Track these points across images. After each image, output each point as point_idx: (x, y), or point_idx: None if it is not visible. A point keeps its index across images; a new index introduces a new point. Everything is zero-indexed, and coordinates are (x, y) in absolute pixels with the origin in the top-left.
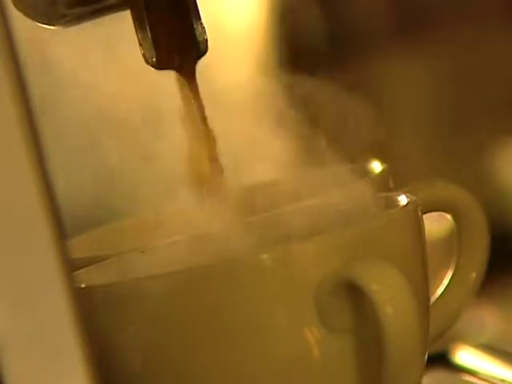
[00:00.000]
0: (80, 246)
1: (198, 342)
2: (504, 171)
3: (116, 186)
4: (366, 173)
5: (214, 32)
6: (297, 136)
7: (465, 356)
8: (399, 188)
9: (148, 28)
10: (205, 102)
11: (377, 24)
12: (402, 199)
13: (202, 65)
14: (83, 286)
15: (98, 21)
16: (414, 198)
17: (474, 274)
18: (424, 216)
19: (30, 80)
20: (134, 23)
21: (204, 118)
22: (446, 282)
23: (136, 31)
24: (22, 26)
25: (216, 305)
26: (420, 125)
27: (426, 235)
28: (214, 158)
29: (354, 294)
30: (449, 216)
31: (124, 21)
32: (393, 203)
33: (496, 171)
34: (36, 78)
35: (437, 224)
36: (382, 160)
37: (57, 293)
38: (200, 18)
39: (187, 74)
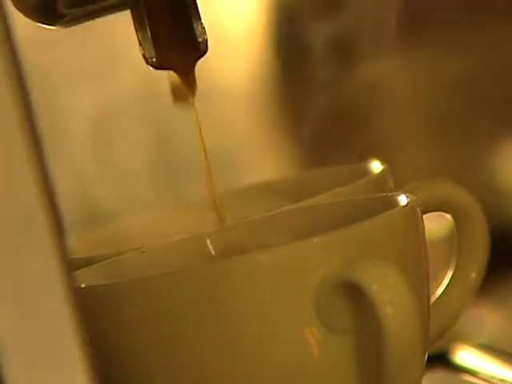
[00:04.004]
0: (80, 246)
1: (197, 342)
2: (504, 171)
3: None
4: (366, 173)
5: (214, 32)
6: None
7: (465, 356)
8: (399, 188)
9: (148, 28)
10: (204, 102)
11: (378, 25)
12: (402, 199)
13: (201, 64)
14: (83, 286)
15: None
16: (414, 197)
17: (473, 274)
18: (424, 216)
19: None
20: (134, 23)
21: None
22: (445, 282)
23: (136, 31)
24: (22, 26)
25: (216, 305)
26: (420, 125)
27: (426, 235)
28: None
29: (354, 294)
30: (449, 216)
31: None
32: (393, 203)
33: (496, 172)
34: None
35: (437, 224)
36: (382, 160)
37: (57, 293)
38: (200, 18)
39: (186, 73)
